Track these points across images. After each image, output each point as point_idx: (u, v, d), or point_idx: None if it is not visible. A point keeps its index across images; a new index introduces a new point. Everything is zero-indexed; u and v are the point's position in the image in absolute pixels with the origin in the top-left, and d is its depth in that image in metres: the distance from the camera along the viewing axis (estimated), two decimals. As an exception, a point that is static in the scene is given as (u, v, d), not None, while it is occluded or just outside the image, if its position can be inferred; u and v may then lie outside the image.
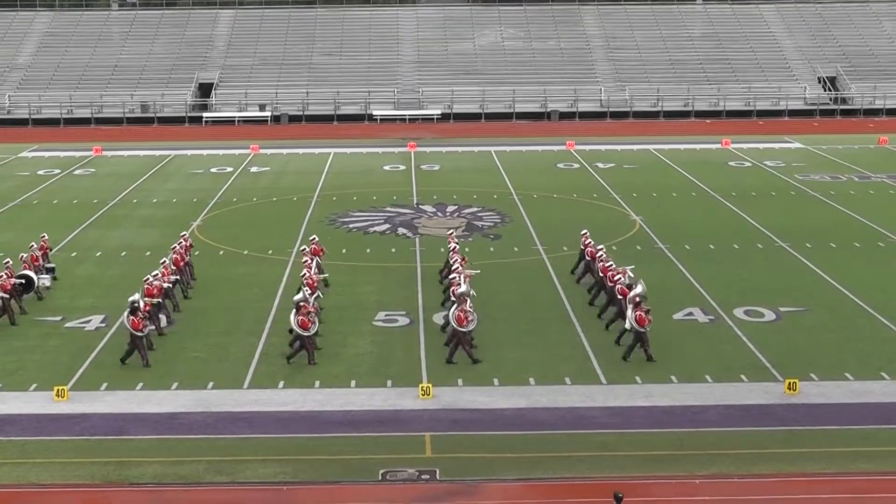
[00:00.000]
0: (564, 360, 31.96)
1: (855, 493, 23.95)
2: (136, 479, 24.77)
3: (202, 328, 35.32)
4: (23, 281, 37.26)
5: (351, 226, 49.84)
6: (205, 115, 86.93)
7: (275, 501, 23.82)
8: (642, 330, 31.48)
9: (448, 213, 52.18)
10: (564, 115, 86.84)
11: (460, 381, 30.39)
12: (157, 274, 35.86)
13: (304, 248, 39.50)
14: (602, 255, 37.47)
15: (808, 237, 46.23)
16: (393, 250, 45.11)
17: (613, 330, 33.63)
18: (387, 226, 49.67)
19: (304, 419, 28.09)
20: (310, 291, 33.52)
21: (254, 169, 65.38)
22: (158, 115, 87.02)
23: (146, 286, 34.57)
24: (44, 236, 42.08)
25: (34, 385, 30.48)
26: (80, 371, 31.54)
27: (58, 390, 29.36)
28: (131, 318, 31.67)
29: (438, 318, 35.88)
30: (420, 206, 53.87)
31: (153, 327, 33.39)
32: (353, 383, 30.43)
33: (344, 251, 45.05)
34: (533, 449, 26.13)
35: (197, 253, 44.84)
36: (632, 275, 34.87)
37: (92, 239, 47.67)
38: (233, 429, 27.48)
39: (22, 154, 71.44)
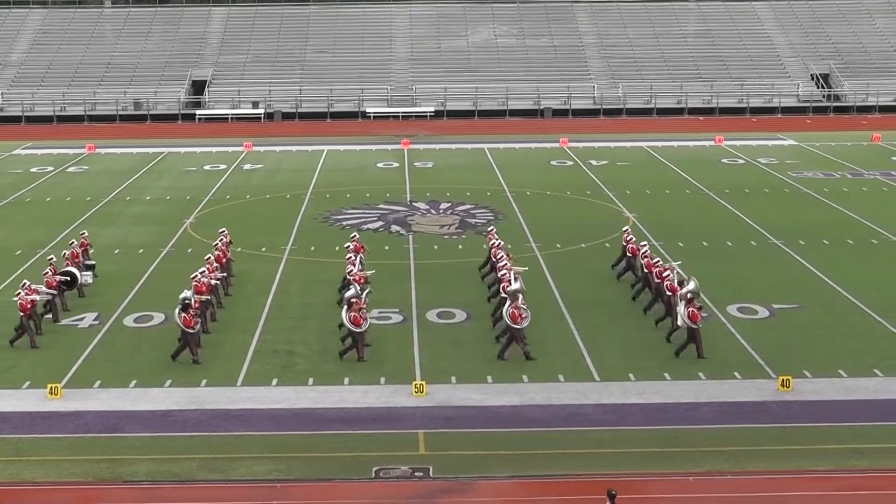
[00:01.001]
0: (558, 358, 31.96)
1: (848, 489, 23.98)
2: (130, 477, 24.76)
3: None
4: (67, 278, 37.37)
5: (344, 223, 49.81)
6: (198, 112, 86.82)
7: (268, 499, 23.81)
8: (695, 326, 31.46)
9: (441, 211, 52.17)
10: (558, 113, 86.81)
11: (454, 379, 30.40)
12: (204, 271, 35.85)
13: (348, 245, 39.33)
14: (646, 251, 37.48)
15: (801, 234, 46.26)
16: (386, 248, 45.08)
17: (662, 328, 33.65)
18: (380, 223, 49.65)
19: (297, 416, 28.08)
20: (359, 287, 33.46)
21: (247, 166, 65.32)
22: (151, 112, 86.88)
23: (195, 283, 34.45)
24: (84, 233, 42.17)
25: (27, 383, 30.45)
26: (74, 368, 31.52)
27: (51, 388, 29.33)
28: (183, 314, 31.65)
29: (432, 316, 35.94)
30: (413, 204, 53.86)
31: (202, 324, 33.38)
32: (346, 381, 30.42)
33: (337, 248, 45.00)
34: (526, 446, 26.15)
35: (190, 250, 44.90)
36: (679, 271, 34.84)
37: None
38: (226, 426, 27.48)
39: (15, 152, 71.30)
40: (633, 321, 35.18)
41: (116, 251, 45.17)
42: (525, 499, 24.18)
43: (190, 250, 45.01)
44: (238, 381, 30.58)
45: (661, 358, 31.73)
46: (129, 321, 35.87)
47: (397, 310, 36.62)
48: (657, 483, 24.35)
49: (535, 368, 31.06)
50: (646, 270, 36.57)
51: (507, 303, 32.13)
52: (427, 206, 53.17)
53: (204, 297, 33.97)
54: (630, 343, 33.21)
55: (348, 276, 35.61)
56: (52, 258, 37.93)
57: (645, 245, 38.20)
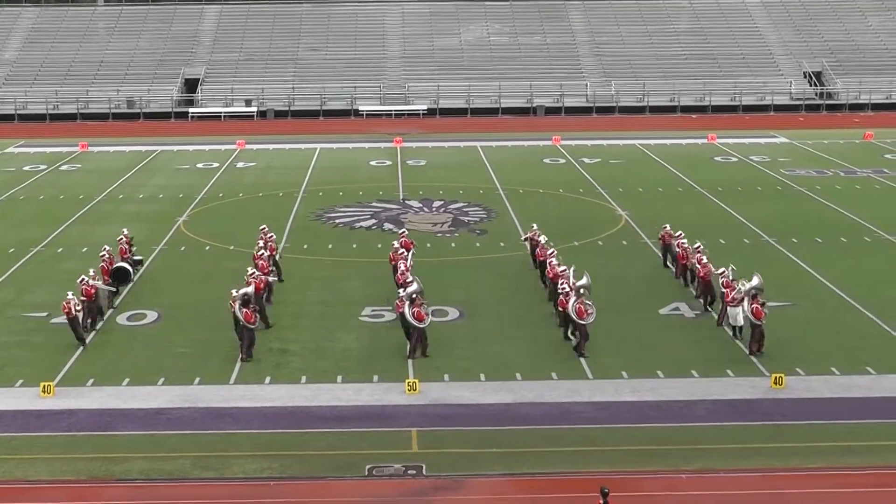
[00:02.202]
0: (550, 355, 31.95)
1: (841, 487, 24.02)
2: (123, 475, 24.74)
3: (189, 324, 35.24)
4: (114, 287, 37.56)
5: (337, 221, 49.80)
6: (191, 110, 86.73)
7: (261, 497, 23.81)
8: (759, 323, 31.45)
9: (434, 209, 52.16)
10: (550, 111, 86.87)
11: (446, 377, 30.39)
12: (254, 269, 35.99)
13: (396, 242, 39.25)
14: (698, 246, 37.47)
15: (794, 232, 46.32)
16: (379, 246, 44.98)
17: (726, 325, 33.67)
18: (373, 221, 49.63)
19: (290, 415, 28.06)
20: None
21: (240, 164, 65.28)
22: (144, 110, 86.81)
23: (255, 281, 34.46)
24: (125, 231, 42.11)
25: (20, 381, 30.40)
26: (67, 367, 31.47)
27: (44, 386, 29.30)
28: (244, 310, 31.72)
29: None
30: (406, 202, 53.85)
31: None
32: (339, 379, 30.42)
33: (330, 246, 45.03)
34: (519, 444, 26.16)
35: (183, 249, 44.87)
36: (734, 267, 34.72)
37: (78, 234, 47.52)
38: (219, 424, 27.47)
39: (8, 150, 71.18)
40: (626, 319, 35.19)
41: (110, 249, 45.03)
42: (518, 496, 24.19)
43: (183, 248, 44.99)
44: (231, 379, 30.56)
45: (653, 355, 31.75)
46: (122, 319, 35.83)
47: (390, 308, 36.53)
48: (650, 481, 24.36)
49: (528, 366, 31.07)
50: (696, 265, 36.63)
51: (573, 299, 32.10)
52: (420, 205, 53.16)
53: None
54: (623, 341, 33.23)
55: (406, 272, 35.65)
56: (103, 254, 38.22)
57: (685, 239, 38.38)
